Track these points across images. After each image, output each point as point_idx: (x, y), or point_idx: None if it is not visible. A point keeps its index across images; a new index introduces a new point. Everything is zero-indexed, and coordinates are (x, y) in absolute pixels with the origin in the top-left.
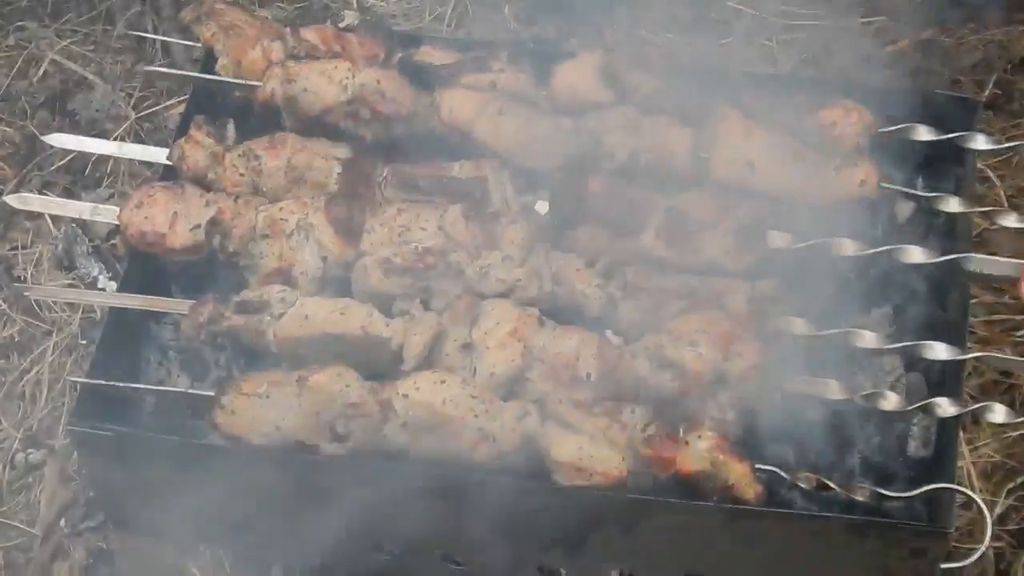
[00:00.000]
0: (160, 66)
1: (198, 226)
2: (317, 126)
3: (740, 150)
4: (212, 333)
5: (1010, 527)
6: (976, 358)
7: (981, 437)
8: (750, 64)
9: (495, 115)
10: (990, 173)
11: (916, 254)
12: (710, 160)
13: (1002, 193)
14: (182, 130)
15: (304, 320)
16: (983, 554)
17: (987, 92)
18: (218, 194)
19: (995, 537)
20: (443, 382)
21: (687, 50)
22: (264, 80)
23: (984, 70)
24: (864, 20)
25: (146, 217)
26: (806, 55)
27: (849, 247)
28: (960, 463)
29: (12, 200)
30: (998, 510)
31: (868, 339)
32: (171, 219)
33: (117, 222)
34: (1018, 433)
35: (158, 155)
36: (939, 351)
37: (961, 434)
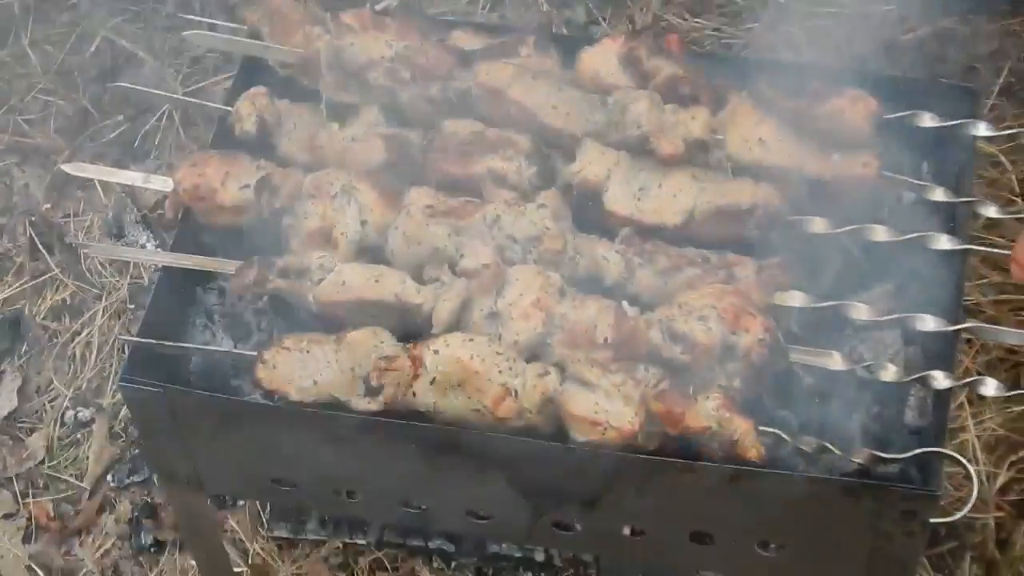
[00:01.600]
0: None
1: (247, 185)
2: (355, 86)
3: (753, 133)
4: (257, 294)
5: (1011, 498)
6: (967, 329)
7: (986, 412)
8: (774, 49)
9: (529, 79)
10: (1003, 159)
11: (943, 241)
12: (725, 140)
13: (1013, 178)
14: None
15: (342, 286)
16: (985, 523)
17: (1002, 79)
18: (268, 162)
19: (996, 507)
20: (471, 340)
21: (714, 35)
22: (310, 38)
23: (1000, 57)
24: (887, 8)
25: (200, 175)
26: (828, 41)
27: (881, 233)
28: (965, 436)
29: (68, 167)
30: (1000, 481)
31: (862, 311)
32: (223, 177)
33: (167, 190)
34: (1021, 408)
35: (215, 111)
36: (929, 323)
37: (967, 409)
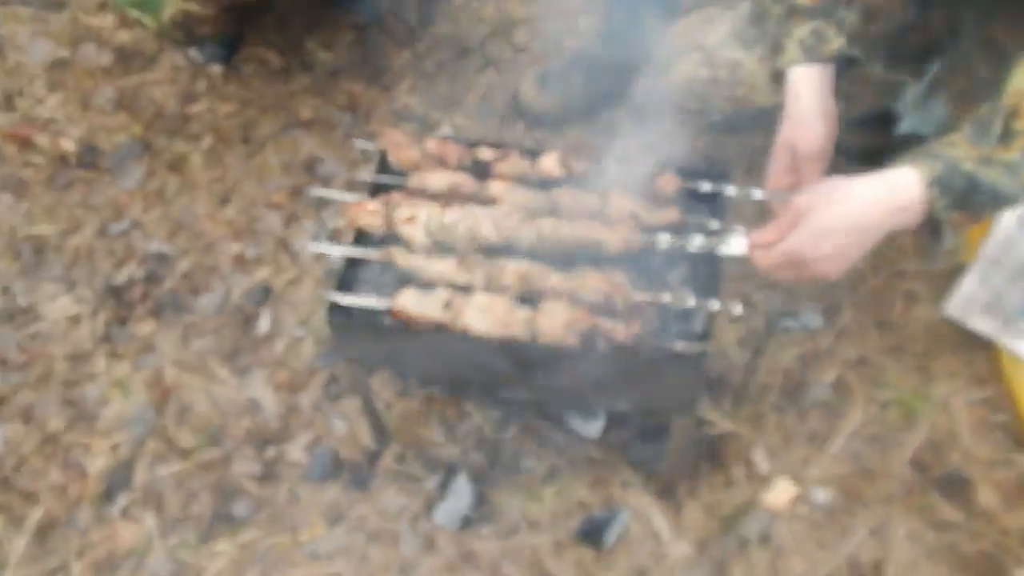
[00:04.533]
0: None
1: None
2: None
3: (626, 208)
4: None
5: (746, 355)
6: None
7: (743, 324)
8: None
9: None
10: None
11: (732, 246)
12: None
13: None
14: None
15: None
16: (738, 378)
17: (747, 163)
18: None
19: (745, 369)
20: (495, 294)
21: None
22: (413, 155)
23: (748, 147)
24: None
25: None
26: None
27: (697, 242)
28: (728, 337)
29: (314, 247)
30: (747, 357)
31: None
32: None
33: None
34: (760, 318)
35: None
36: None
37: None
